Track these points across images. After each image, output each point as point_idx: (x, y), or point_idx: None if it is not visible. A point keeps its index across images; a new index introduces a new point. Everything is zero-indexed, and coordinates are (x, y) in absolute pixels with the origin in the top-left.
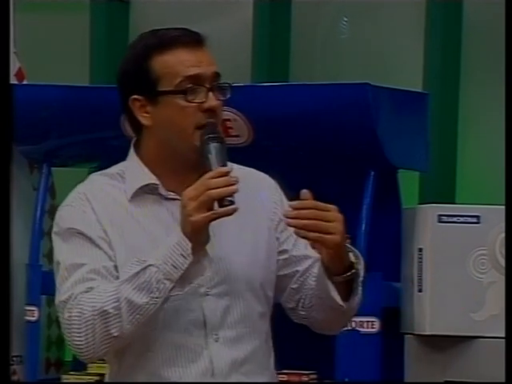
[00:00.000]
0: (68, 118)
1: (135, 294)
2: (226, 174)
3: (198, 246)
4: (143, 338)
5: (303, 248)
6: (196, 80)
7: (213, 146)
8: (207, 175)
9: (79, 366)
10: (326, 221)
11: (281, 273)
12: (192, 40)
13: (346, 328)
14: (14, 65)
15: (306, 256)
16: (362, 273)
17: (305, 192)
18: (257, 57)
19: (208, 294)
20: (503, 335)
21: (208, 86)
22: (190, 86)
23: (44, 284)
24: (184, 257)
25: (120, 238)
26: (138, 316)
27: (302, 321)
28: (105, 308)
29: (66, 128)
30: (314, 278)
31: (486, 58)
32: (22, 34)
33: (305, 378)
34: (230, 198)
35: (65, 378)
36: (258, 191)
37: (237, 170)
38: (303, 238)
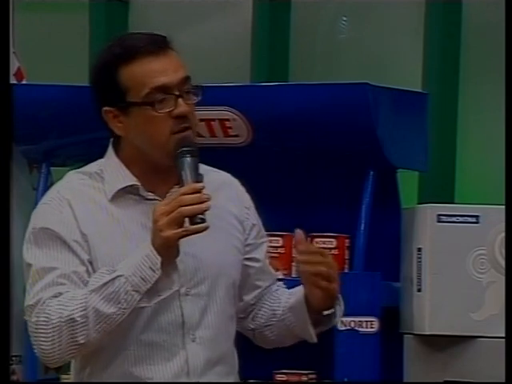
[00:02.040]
0: (67, 117)
1: (103, 303)
2: (199, 190)
3: (167, 260)
4: (120, 336)
5: (268, 263)
6: (163, 90)
7: (186, 161)
8: (180, 191)
9: None
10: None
11: (248, 281)
12: (157, 47)
13: (345, 328)
14: (13, 64)
15: (271, 274)
16: (339, 313)
17: (299, 232)
18: (256, 57)
19: (188, 294)
20: (503, 335)
21: (177, 93)
22: (157, 96)
23: None
24: (153, 270)
25: (101, 239)
26: (104, 325)
27: (245, 332)
28: (72, 316)
29: (65, 128)
30: (274, 300)
31: (485, 58)
32: (21, 33)
33: (304, 378)
34: (201, 216)
35: (64, 378)
36: (229, 195)
37: (208, 172)
38: (314, 285)
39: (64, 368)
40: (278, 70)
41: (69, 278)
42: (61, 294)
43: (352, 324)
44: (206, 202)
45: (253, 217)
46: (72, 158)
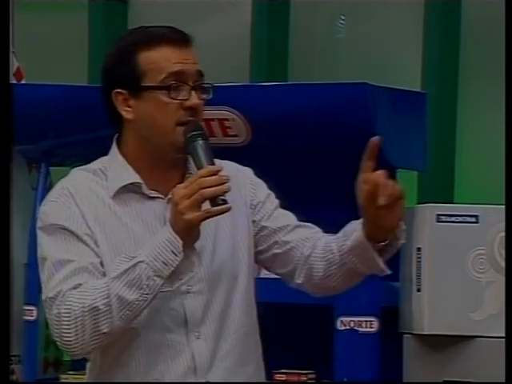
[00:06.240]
0: (66, 117)
1: (125, 290)
2: (217, 172)
3: (188, 243)
4: (124, 336)
5: (281, 218)
6: (180, 77)
7: (199, 144)
8: (199, 174)
9: (77, 365)
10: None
11: (261, 247)
12: (179, 38)
13: (344, 327)
14: (13, 64)
15: (286, 225)
16: (402, 235)
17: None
18: (255, 56)
19: (189, 292)
20: (502, 335)
21: (191, 84)
22: (173, 82)
23: None
24: (175, 254)
25: (103, 235)
26: (128, 312)
27: (299, 286)
28: (95, 304)
29: (64, 127)
30: (323, 251)
31: (485, 58)
32: (21, 33)
33: (303, 378)
34: (222, 197)
35: (63, 377)
36: (237, 184)
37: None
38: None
39: (64, 367)
40: (277, 69)
41: (86, 269)
42: (80, 284)
43: (351, 324)
44: (225, 182)
45: (258, 193)
46: (71, 157)
